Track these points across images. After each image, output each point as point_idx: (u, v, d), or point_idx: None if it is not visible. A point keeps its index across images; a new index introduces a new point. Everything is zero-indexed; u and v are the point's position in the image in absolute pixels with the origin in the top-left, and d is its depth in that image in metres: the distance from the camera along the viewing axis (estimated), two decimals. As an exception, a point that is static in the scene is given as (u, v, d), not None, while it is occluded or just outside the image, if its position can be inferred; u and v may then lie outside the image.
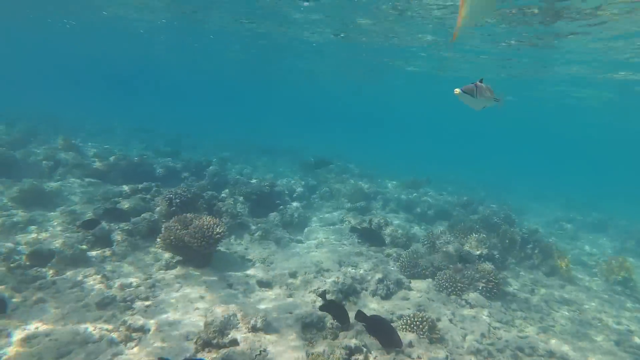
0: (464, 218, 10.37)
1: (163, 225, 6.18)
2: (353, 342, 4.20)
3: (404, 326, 4.87)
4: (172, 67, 37.58)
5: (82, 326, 4.17)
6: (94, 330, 4.11)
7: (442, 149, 40.86)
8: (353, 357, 4.08)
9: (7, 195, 7.34)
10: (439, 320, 5.33)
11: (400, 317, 5.15)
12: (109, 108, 29.52)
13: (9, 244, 5.62)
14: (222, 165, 12.89)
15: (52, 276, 5.09)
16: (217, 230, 6.01)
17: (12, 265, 5.14)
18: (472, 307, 6.07)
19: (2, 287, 4.62)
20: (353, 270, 6.45)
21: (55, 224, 6.76)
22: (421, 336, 4.71)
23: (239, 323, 4.33)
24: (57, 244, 5.76)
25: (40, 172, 9.01)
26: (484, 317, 5.75)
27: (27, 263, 5.29)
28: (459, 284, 6.39)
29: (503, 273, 7.45)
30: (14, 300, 4.46)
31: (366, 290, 5.93)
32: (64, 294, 4.75)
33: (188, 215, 6.32)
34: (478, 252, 7.44)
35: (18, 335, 3.93)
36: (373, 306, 5.51)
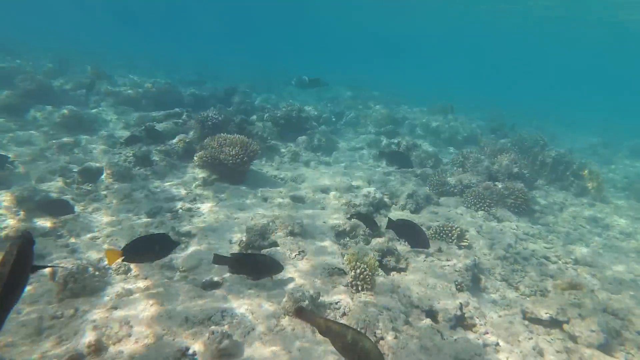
0: (494, 142, 10.19)
1: (198, 145, 6.41)
2: (385, 246, 4.47)
3: (433, 235, 5.08)
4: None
5: (136, 231, 4.58)
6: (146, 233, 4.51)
7: (472, 77, 38.88)
8: (385, 259, 4.36)
9: (50, 120, 7.68)
10: (466, 231, 5.52)
11: (429, 227, 5.36)
12: (129, 42, 29.13)
13: (62, 162, 6.02)
14: (247, 94, 12.85)
15: (102, 190, 5.49)
16: (251, 148, 6.20)
17: (67, 180, 5.56)
18: (499, 221, 6.22)
19: (63, 197, 5.04)
20: (383, 188, 6.62)
21: (98, 146, 7.12)
22: (450, 243, 4.93)
23: (277, 229, 4.64)
24: (103, 163, 6.12)
25: (76, 100, 9.28)
26: (511, 230, 5.90)
27: (79, 179, 5.70)
28: (488, 200, 6.49)
29: (532, 192, 7.47)
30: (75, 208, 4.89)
31: (396, 205, 6.13)
32: (116, 206, 5.15)
33: (222, 134, 6.50)
34: (508, 171, 7.42)
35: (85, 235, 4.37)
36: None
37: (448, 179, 7.18)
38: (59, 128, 7.63)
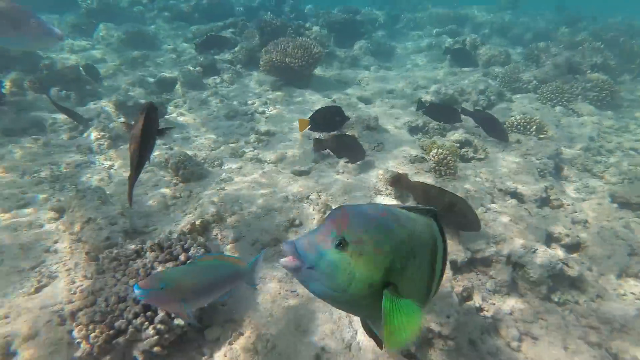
0: (571, 36, 9.21)
1: (262, 50, 6.41)
2: (463, 136, 4.46)
3: (510, 128, 4.97)
4: None
5: (221, 134, 4.88)
6: (232, 137, 4.80)
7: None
8: (463, 149, 4.38)
9: (117, 37, 7.90)
10: (545, 124, 5.32)
11: (505, 122, 5.21)
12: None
13: (138, 74, 6.33)
14: (297, 1, 12.24)
15: (182, 95, 5.78)
16: (315, 50, 6.10)
17: (146, 90, 5.88)
18: (579, 115, 5.89)
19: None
20: (452, 85, 6.39)
21: (165, 59, 7.33)
22: (528, 135, 4.82)
23: (353, 124, 4.73)
24: (175, 73, 6.35)
25: (134, 17, 9.38)
26: (593, 123, 5.60)
27: (156, 89, 6.00)
28: (567, 95, 6.10)
29: (617, 86, 6.88)
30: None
31: (467, 102, 5.95)
32: (196, 110, 5.44)
33: (284, 39, 6.42)
34: (591, 62, 6.82)
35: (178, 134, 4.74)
36: (475, 114, 5.60)
37: (520, 74, 6.75)
38: (126, 45, 7.85)
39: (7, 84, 5.18)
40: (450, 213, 2.65)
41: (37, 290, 2.45)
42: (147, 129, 1.95)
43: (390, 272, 0.90)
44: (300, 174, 3.92)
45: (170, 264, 2.04)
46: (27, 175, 3.72)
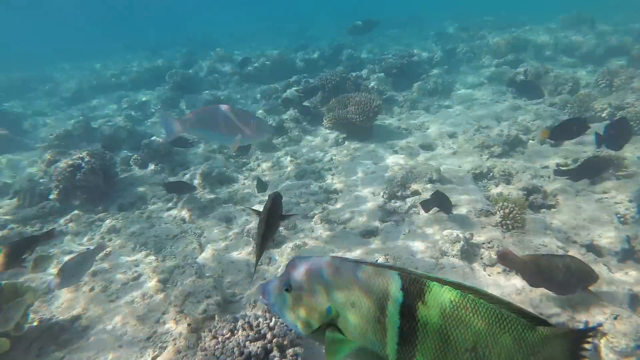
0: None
1: (325, 108, 6.91)
2: (530, 183, 4.40)
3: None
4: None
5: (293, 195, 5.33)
6: (299, 195, 5.22)
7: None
8: (532, 197, 4.32)
9: (198, 106, 9.00)
10: (624, 159, 5.02)
11: (577, 160, 5.02)
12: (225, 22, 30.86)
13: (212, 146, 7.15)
14: (353, 48, 12.87)
15: (254, 161, 6.41)
16: (374, 104, 6.45)
17: (225, 156, 6.63)
18: (666, 143, 5.44)
19: (226, 169, 6.06)
20: (514, 124, 6.30)
21: (239, 123, 8.16)
22: (603, 175, 4.60)
23: (416, 178, 4.91)
24: (248, 136, 7.06)
25: (210, 84, 10.60)
26: (684, 151, 5.14)
27: (233, 153, 6.72)
28: (649, 121, 5.68)
29: None
30: (236, 184, 5.88)
31: (533, 140, 5.82)
32: (269, 173, 6.00)
33: (345, 95, 6.87)
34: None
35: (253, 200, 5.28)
36: (543, 153, 5.45)
37: (592, 103, 6.42)
38: (205, 112, 8.89)
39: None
40: (571, 276, 2.65)
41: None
42: (272, 214, 2.40)
43: (328, 316, 1.02)
44: (367, 234, 4.16)
45: (258, 343, 2.38)
46: (137, 246, 4.43)
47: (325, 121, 6.70)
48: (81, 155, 5.38)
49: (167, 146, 6.50)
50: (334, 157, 6.18)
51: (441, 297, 0.95)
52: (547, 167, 5.10)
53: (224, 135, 3.99)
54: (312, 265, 1.05)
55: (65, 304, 3.66)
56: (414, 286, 0.97)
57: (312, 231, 4.35)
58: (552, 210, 4.20)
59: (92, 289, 3.80)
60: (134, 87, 11.53)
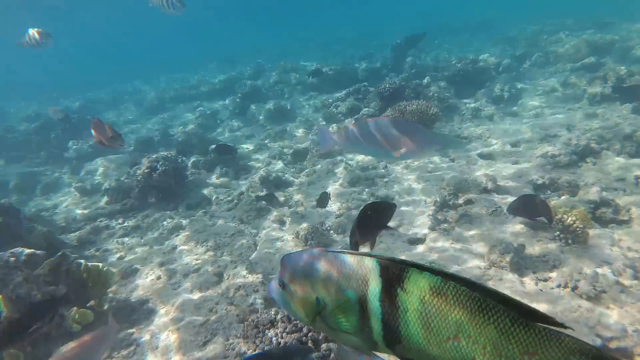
0: None
1: (382, 115, 6.97)
2: (600, 195, 4.07)
3: (665, 180, 4.30)
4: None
5: (345, 200, 5.46)
6: (350, 200, 5.33)
7: None
8: (599, 211, 3.99)
9: (262, 114, 9.54)
10: None
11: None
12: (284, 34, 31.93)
13: (278, 148, 7.53)
14: (417, 55, 12.72)
15: (310, 166, 6.66)
16: (431, 112, 6.37)
17: (284, 161, 6.97)
18: None
19: (288, 175, 6.37)
20: (587, 132, 5.82)
21: (300, 130, 8.52)
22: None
23: (470, 187, 4.77)
24: (306, 144, 7.36)
25: (275, 93, 11.16)
26: None
27: (292, 159, 7.04)
28: None
29: None
30: (291, 188, 6.15)
31: (608, 150, 5.34)
32: (322, 177, 6.20)
33: (401, 102, 6.87)
34: None
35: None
36: (619, 164, 4.99)
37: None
38: (270, 120, 9.40)
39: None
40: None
41: (205, 344, 3.24)
42: (366, 223, 2.41)
43: (319, 307, 1.05)
44: (415, 242, 4.15)
45: (294, 335, 2.53)
46: (199, 242, 4.86)
47: (381, 129, 6.74)
48: (157, 158, 6.02)
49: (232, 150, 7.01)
50: (388, 165, 6.20)
51: (420, 283, 0.92)
52: (623, 179, 4.67)
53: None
54: (297, 261, 1.09)
55: (136, 287, 4.15)
56: (393, 273, 0.95)
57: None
58: (624, 226, 3.84)
59: (159, 278, 4.26)
60: (209, 97, 12.52)
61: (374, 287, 0.96)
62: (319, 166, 6.56)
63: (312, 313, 1.07)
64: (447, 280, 0.91)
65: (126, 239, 5.38)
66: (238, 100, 10.63)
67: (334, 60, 14.24)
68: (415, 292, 0.92)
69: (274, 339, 2.57)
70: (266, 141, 8.23)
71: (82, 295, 3.59)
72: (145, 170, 5.90)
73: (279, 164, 6.87)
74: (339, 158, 6.71)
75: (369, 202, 3.58)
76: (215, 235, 4.96)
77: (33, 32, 4.21)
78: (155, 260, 4.61)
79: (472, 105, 8.10)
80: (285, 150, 7.40)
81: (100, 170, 7.72)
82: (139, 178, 5.97)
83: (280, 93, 11.22)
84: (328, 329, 1.07)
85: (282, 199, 5.63)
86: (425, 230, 4.30)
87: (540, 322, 0.84)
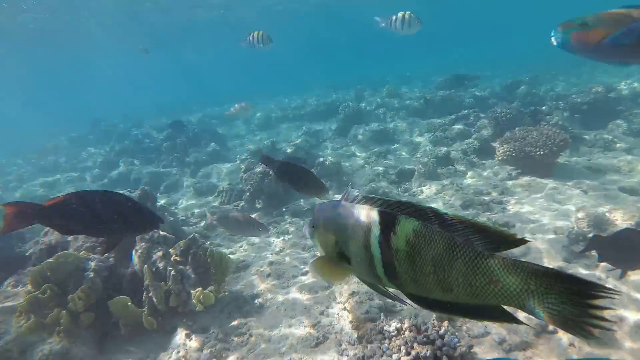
0: None
1: (498, 140, 6.52)
2: None
3: None
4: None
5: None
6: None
7: None
8: None
9: (364, 135, 9.61)
10: None
11: None
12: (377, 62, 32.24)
13: (382, 168, 7.45)
14: (531, 85, 11.89)
15: (417, 187, 6.43)
16: (559, 138, 5.78)
17: (388, 181, 6.85)
18: None
19: (394, 194, 6.24)
20: None
21: (403, 152, 8.37)
22: None
23: (616, 219, 4.13)
24: (413, 164, 7.16)
25: (377, 117, 11.21)
26: None
27: (396, 179, 6.89)
28: None
29: None
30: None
31: None
32: (430, 199, 5.93)
33: (522, 128, 6.37)
34: None
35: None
36: None
37: None
38: (371, 141, 9.42)
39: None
40: None
41: (317, 345, 3.16)
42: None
43: (338, 246, 1.24)
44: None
45: (428, 347, 2.32)
46: (305, 248, 4.89)
47: (498, 153, 6.29)
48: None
49: (337, 165, 7.11)
50: (505, 191, 5.71)
51: (406, 227, 1.07)
52: None
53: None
54: (325, 210, 1.31)
55: (247, 282, 4.28)
56: (388, 219, 1.10)
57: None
58: None
59: (269, 275, 4.35)
60: (311, 118, 13.07)
61: (375, 233, 1.12)
62: (427, 187, 6.31)
63: (333, 251, 1.27)
64: (426, 223, 1.06)
65: (237, 237, 5.66)
66: (341, 121, 10.89)
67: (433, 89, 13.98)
68: (403, 236, 1.07)
69: (402, 347, 2.38)
70: (370, 159, 8.22)
71: (204, 278, 3.79)
72: (259, 174, 6.23)
73: (383, 183, 6.76)
74: (446, 182, 6.38)
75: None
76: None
77: (257, 34, 4.77)
78: (265, 260, 4.74)
79: (605, 136, 7.20)
80: (389, 170, 7.29)
81: (215, 174, 8.38)
82: (251, 182, 6.31)
83: (382, 116, 11.24)
84: (348, 266, 1.24)
85: (388, 215, 5.48)
86: (561, 263, 3.78)
87: (511, 246, 0.97)
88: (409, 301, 1.16)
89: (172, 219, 5.33)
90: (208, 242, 5.56)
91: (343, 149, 9.40)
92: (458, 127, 8.46)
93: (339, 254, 1.24)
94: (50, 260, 3.37)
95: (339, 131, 10.55)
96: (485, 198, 5.58)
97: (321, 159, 7.32)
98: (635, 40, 1.67)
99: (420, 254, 1.04)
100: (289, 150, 8.08)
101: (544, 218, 4.76)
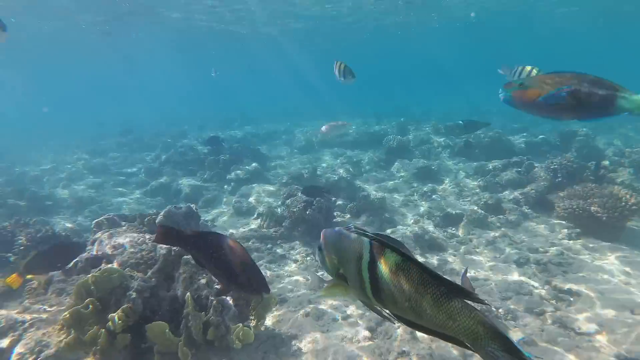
0: None
1: (559, 195, 6.11)
2: None
3: None
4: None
5: (511, 277, 4.74)
6: (519, 286, 4.58)
7: None
8: None
9: (408, 170, 9.35)
10: None
11: None
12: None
13: (423, 207, 7.15)
14: (588, 136, 11.30)
15: (467, 233, 6.08)
16: (632, 201, 5.33)
17: (434, 222, 6.53)
18: None
19: (441, 238, 5.92)
20: None
21: (448, 193, 8.04)
22: None
23: None
24: (460, 208, 6.82)
25: (421, 152, 10.94)
26: None
27: (442, 222, 6.57)
28: None
29: None
30: (446, 254, 5.64)
31: None
32: (483, 252, 5.56)
33: (586, 185, 5.94)
34: None
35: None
36: None
37: None
38: (414, 178, 9.15)
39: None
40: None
41: None
42: None
43: (338, 267, 1.41)
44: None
45: None
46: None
47: (558, 209, 5.88)
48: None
49: (382, 201, 6.87)
50: (565, 252, 5.28)
51: (391, 259, 1.24)
52: None
53: None
54: (329, 235, 1.45)
55: (285, 319, 4.07)
56: (378, 250, 1.27)
57: (542, 332, 3.68)
58: None
59: (307, 315, 4.13)
60: (353, 146, 12.96)
61: (365, 259, 1.29)
62: (476, 236, 5.95)
63: (334, 270, 1.44)
64: (406, 260, 1.22)
65: (273, 265, 5.50)
66: (383, 153, 10.70)
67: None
68: (387, 266, 1.24)
69: None
70: (413, 197, 7.94)
71: (243, 310, 3.62)
72: (302, 203, 6.09)
73: (430, 226, 6.45)
74: (497, 233, 6.01)
75: None
76: (363, 285, 4.71)
77: (340, 65, 4.72)
78: (304, 297, 4.52)
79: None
80: (434, 211, 6.98)
81: (254, 195, 8.33)
82: (293, 210, 6.18)
83: (426, 153, 10.97)
84: (345, 285, 1.42)
85: (435, 263, 5.17)
86: (622, 351, 3.35)
87: (465, 298, 1.14)
88: (395, 319, 1.32)
89: (212, 239, 5.24)
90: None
91: (385, 182, 9.17)
92: (510, 174, 8.06)
93: (339, 274, 1.43)
94: (96, 273, 3.31)
95: (381, 163, 10.35)
96: (543, 257, 5.17)
97: (365, 192, 7.12)
98: (560, 102, 2.00)
99: (399, 283, 1.21)
100: (330, 180, 7.93)
101: (613, 291, 4.31)
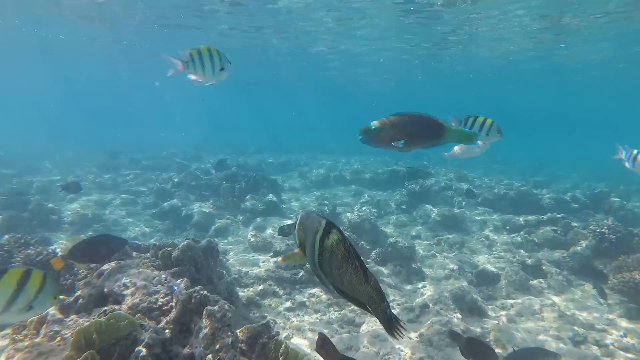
0: None
1: (612, 265, 5.55)
2: None
3: None
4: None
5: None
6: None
7: None
8: None
9: (431, 216, 8.83)
10: None
11: None
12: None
13: (453, 262, 6.58)
14: (621, 198, 10.80)
15: (507, 297, 5.49)
16: (700, 280, 4.76)
17: (467, 278, 5.95)
18: None
19: (481, 301, 5.33)
20: None
21: (479, 247, 7.48)
22: None
23: None
24: (497, 267, 6.26)
25: (444, 199, 10.46)
26: None
27: (476, 280, 5.98)
28: None
29: None
30: (488, 321, 5.04)
31: None
32: (526, 321, 4.96)
33: (638, 255, 5.40)
34: None
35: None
36: None
37: None
38: (439, 226, 8.62)
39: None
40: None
41: None
42: None
43: (303, 240, 1.68)
44: None
45: None
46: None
47: (612, 281, 5.30)
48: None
49: (411, 250, 6.33)
50: (607, 328, 4.66)
51: (334, 236, 1.54)
52: None
53: None
54: (302, 216, 1.72)
55: (311, 389, 3.46)
56: (329, 228, 1.56)
57: None
58: None
59: None
60: (370, 185, 12.51)
61: (319, 233, 1.59)
62: (519, 301, 5.36)
63: (300, 242, 1.72)
64: (343, 238, 1.52)
65: (291, 315, 4.91)
66: (405, 196, 10.23)
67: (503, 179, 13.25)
68: (330, 240, 1.55)
69: None
70: (441, 247, 7.38)
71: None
72: (328, 247, 5.56)
73: (464, 282, 5.86)
74: (542, 300, 5.42)
75: None
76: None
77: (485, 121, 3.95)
78: (330, 358, 3.92)
79: None
80: (464, 266, 6.41)
81: (270, 230, 7.82)
82: (317, 252, 5.64)
83: (450, 200, 10.47)
84: (304, 255, 1.70)
85: (478, 331, 4.56)
86: None
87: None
88: (331, 287, 1.60)
89: (230, 278, 4.69)
90: (258, 313, 4.86)
91: (407, 227, 8.64)
92: (547, 232, 7.51)
93: (301, 245, 1.70)
94: (101, 320, 2.77)
95: (404, 207, 9.85)
96: (600, 338, 4.54)
97: (392, 239, 6.57)
98: (401, 145, 2.54)
99: (334, 255, 1.53)
100: (352, 221, 7.42)
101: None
